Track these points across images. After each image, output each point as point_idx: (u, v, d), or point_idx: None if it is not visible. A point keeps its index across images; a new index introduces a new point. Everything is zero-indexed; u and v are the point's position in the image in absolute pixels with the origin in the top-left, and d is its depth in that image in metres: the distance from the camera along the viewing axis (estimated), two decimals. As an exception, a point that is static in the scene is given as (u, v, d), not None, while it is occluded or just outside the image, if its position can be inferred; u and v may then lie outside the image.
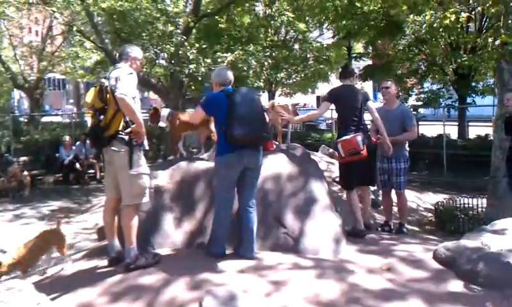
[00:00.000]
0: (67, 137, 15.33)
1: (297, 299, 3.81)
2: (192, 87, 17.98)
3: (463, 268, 4.23)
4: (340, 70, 6.41)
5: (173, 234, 5.02)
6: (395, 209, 7.10)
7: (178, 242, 5.01)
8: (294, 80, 25.85)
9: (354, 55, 21.96)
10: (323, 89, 43.89)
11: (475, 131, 18.17)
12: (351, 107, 5.93)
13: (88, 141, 14.09)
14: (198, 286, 3.97)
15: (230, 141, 4.55)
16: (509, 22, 8.50)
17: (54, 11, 12.92)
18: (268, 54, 16.51)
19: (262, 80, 22.77)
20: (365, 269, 4.46)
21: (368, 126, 6.47)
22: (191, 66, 12.06)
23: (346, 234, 5.58)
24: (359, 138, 5.75)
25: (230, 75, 4.90)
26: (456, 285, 4.10)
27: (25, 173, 13.94)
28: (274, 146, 5.92)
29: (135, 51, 4.71)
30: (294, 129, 22.39)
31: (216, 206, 4.81)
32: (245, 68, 14.55)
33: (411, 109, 13.82)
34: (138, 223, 4.52)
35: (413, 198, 10.35)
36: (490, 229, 4.87)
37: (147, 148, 4.63)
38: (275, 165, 5.51)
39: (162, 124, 5.73)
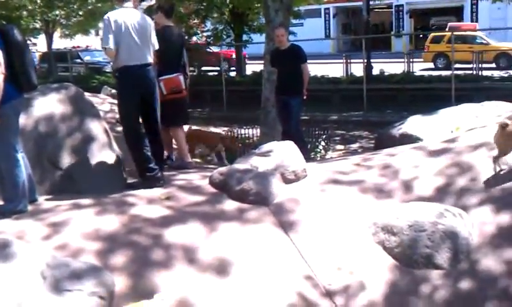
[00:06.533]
0: None
1: (77, 237, 3.78)
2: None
3: (235, 189, 4.60)
4: (161, 7, 6.28)
5: None
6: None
7: None
8: (74, 19, 24.27)
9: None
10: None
11: (252, 68, 19.54)
12: (174, 48, 6.11)
13: None
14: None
15: None
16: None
17: None
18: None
19: (37, 20, 20.97)
20: (145, 200, 4.58)
21: None
22: None
23: (173, 168, 5.96)
24: (181, 77, 6.03)
25: None
26: (229, 204, 4.46)
27: None
28: None
29: None
30: (78, 72, 21.31)
31: (10, 159, 4.16)
32: (17, 6, 13.33)
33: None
34: None
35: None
36: (258, 153, 5.31)
37: None
38: (46, 105, 5.21)
39: None
